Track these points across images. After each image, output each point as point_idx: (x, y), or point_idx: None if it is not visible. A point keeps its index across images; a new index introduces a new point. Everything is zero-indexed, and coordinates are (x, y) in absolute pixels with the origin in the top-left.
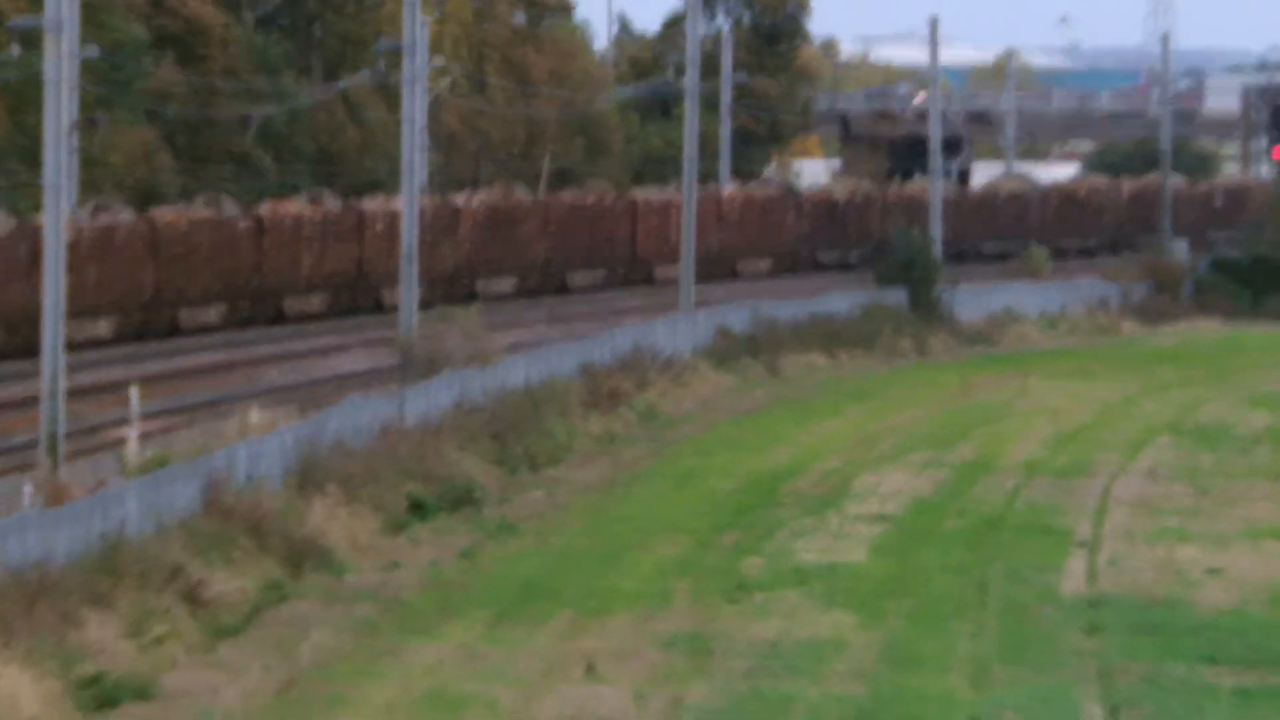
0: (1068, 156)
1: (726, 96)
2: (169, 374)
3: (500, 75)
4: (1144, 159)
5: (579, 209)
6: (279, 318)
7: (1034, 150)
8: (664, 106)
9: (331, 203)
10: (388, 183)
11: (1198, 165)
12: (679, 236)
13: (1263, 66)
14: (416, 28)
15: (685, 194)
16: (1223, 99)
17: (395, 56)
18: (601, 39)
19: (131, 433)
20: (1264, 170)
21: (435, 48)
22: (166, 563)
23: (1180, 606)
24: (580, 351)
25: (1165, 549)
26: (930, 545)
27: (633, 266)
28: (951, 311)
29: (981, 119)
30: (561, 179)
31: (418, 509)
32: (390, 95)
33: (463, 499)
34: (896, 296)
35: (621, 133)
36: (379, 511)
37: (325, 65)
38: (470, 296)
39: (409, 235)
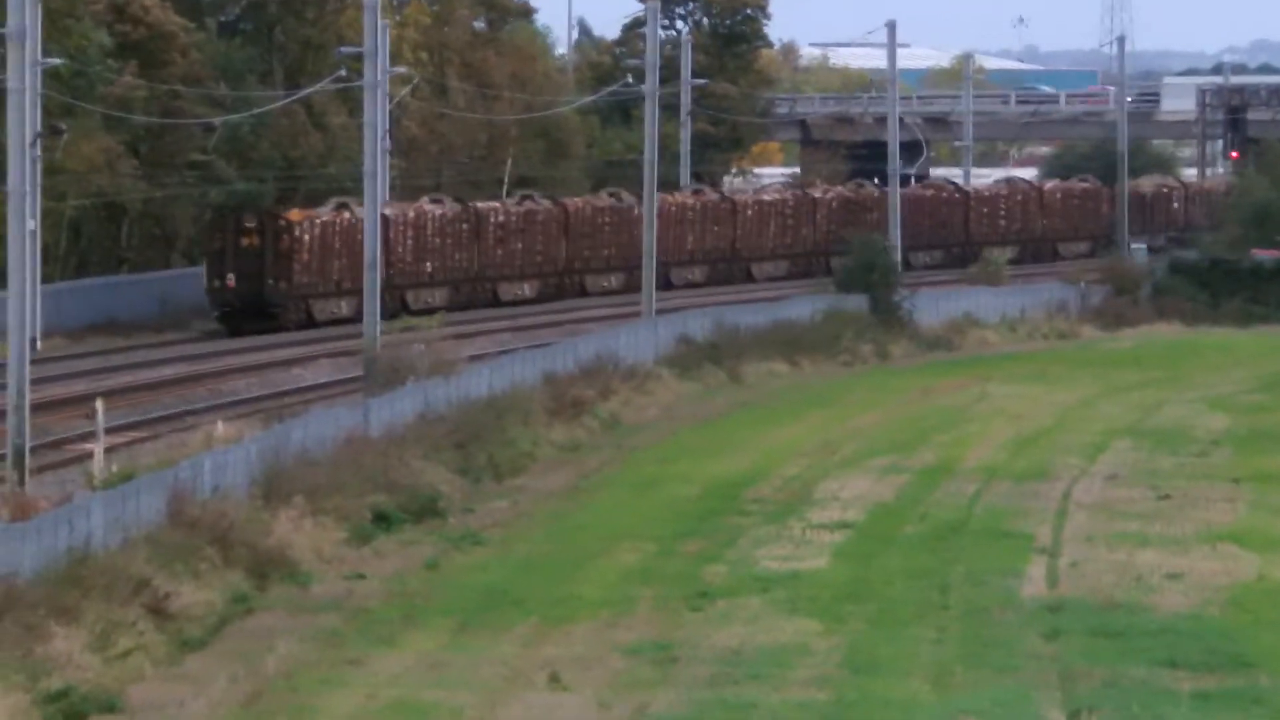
0: (1025, 160)
1: (686, 100)
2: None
3: (461, 79)
4: (1101, 161)
5: (920, 199)
6: (668, 284)
7: (992, 153)
8: (624, 111)
9: (711, 193)
10: (351, 188)
11: (1154, 167)
12: (1008, 222)
13: (1218, 69)
14: (377, 33)
15: (646, 198)
16: (1179, 101)
17: (356, 61)
18: (562, 44)
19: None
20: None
21: (395, 52)
22: (132, 575)
23: (1140, 610)
24: (543, 360)
25: (1125, 553)
26: (891, 550)
27: (966, 248)
28: (912, 316)
29: (939, 122)
30: (523, 183)
31: (382, 520)
32: (351, 100)
33: (427, 509)
34: (857, 302)
35: (582, 137)
36: (344, 522)
37: (286, 71)
38: (827, 272)
39: (371, 243)
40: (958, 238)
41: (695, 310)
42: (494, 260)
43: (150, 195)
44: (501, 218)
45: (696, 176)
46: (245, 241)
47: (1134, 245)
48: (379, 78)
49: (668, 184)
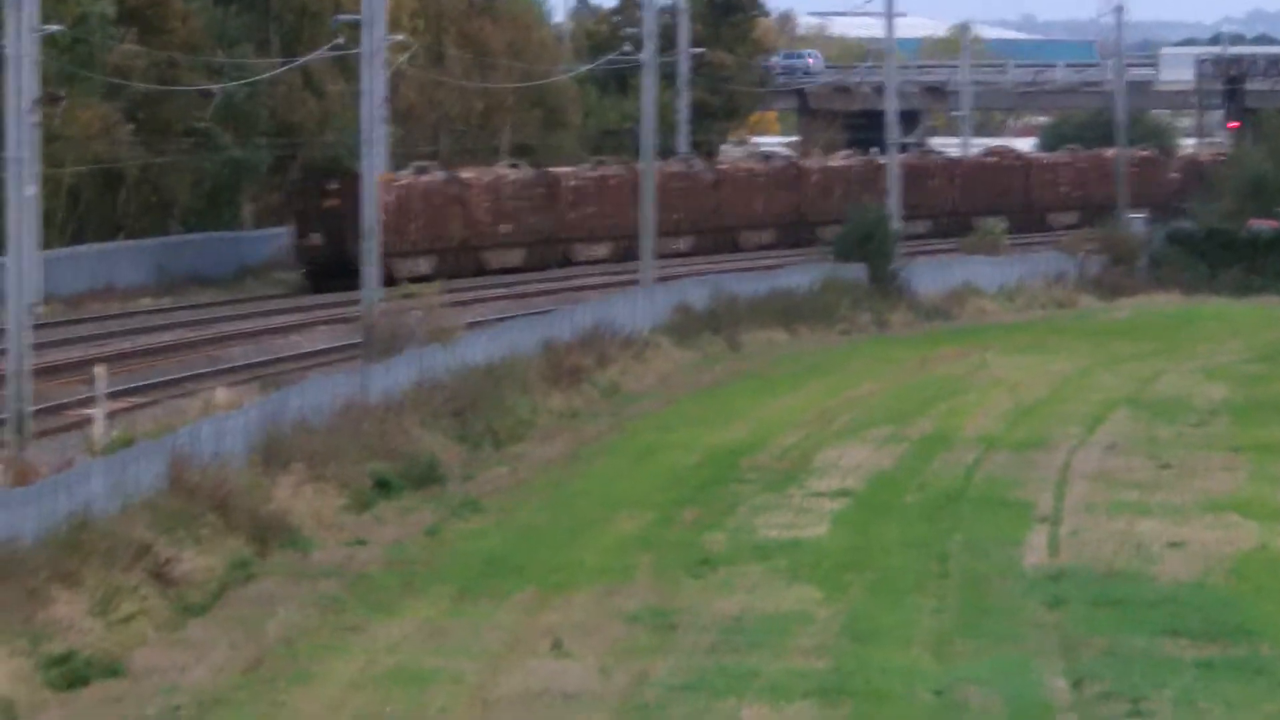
0: (1023, 130)
1: (684, 69)
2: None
3: (457, 48)
4: (1099, 131)
5: (983, 167)
6: (735, 247)
7: (989, 123)
8: (621, 80)
9: (777, 160)
10: (347, 156)
11: (1151, 137)
12: (1069, 189)
13: (1216, 39)
14: (374, 1)
15: (643, 167)
16: (1177, 71)
17: (353, 29)
18: (559, 12)
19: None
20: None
21: (392, 20)
22: (134, 541)
23: (1141, 579)
24: (541, 328)
25: (1126, 522)
26: (891, 519)
27: (1027, 214)
28: (910, 286)
29: (937, 92)
30: (519, 152)
31: (382, 486)
32: (348, 68)
33: (426, 476)
34: (855, 271)
35: (579, 106)
36: (344, 489)
37: (283, 39)
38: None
39: (369, 212)
40: (1018, 204)
41: (693, 279)
42: (568, 223)
43: (148, 162)
44: (575, 182)
45: (695, 146)
46: (329, 203)
47: (1131, 215)
48: (376, 46)
49: (665, 153)
